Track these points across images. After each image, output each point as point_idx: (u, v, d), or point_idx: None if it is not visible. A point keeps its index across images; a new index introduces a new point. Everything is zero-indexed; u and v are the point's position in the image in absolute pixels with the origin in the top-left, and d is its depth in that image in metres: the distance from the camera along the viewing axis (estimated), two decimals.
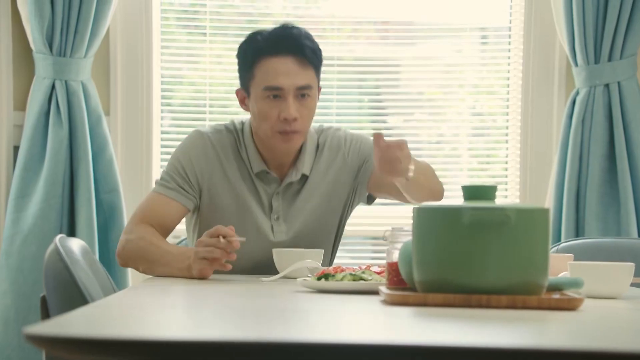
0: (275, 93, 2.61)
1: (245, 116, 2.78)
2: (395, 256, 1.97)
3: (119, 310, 1.60)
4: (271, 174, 2.72)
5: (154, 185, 2.77)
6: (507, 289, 1.70)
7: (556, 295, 1.79)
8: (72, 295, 1.91)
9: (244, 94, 2.70)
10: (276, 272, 2.48)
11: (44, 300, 2.02)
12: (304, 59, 2.62)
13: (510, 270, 1.70)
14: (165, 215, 2.67)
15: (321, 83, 2.72)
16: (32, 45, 3.66)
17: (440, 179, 2.72)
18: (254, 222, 2.70)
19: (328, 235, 2.79)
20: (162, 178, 2.71)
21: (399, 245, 1.97)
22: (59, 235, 2.13)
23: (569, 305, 1.72)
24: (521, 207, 1.73)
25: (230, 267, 2.38)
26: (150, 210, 2.67)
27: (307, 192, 2.74)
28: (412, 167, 2.37)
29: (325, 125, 2.85)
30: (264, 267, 2.65)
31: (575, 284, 1.86)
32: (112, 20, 3.78)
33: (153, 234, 2.61)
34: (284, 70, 2.60)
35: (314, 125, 2.79)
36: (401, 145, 2.32)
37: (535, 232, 1.73)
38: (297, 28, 2.66)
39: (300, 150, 2.73)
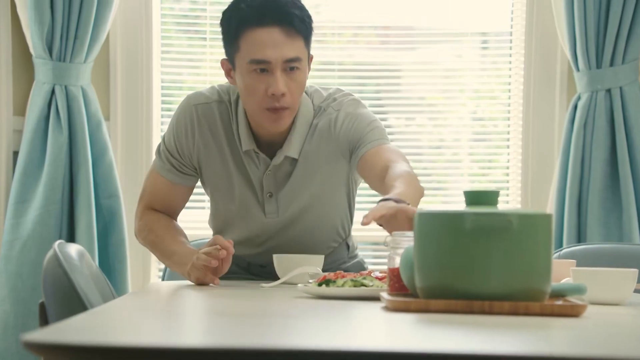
0: (262, 67, 2.44)
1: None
2: (397, 262, 1.94)
3: (118, 317, 1.59)
4: (260, 155, 2.58)
5: (154, 156, 2.76)
6: (510, 295, 1.68)
7: (559, 302, 1.77)
8: (71, 302, 1.89)
9: (229, 66, 2.53)
10: (276, 277, 2.47)
11: (42, 307, 2.00)
12: (291, 29, 2.44)
13: (512, 276, 1.69)
14: (169, 199, 2.68)
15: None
16: (31, 50, 3.66)
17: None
18: (244, 200, 2.63)
19: (338, 212, 2.68)
20: (159, 153, 2.68)
21: (401, 251, 1.92)
22: (58, 241, 2.12)
23: (572, 312, 1.70)
24: (523, 213, 1.72)
25: (219, 282, 2.39)
26: (154, 194, 2.68)
27: (301, 173, 2.61)
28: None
29: (332, 96, 2.64)
30: (256, 251, 2.65)
31: (578, 290, 1.84)
32: (112, 25, 3.78)
33: (161, 226, 2.63)
34: (270, 42, 2.42)
35: (322, 92, 2.64)
36: (406, 212, 2.10)
37: (537, 237, 1.71)
38: None
39: (289, 130, 2.57)
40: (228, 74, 2.55)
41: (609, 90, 3.69)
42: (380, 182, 2.43)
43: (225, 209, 2.67)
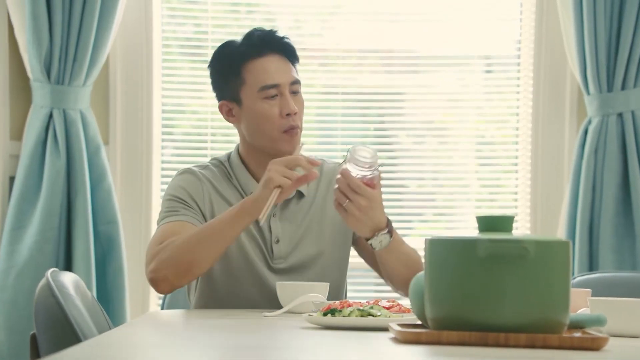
0: (273, 92, 2.58)
1: (221, 152, 2.71)
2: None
3: (113, 349, 1.54)
4: None
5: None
6: (526, 326, 1.63)
7: (577, 334, 1.72)
8: (64, 333, 1.86)
9: (231, 105, 2.64)
10: (279, 306, 2.42)
11: (33, 338, 1.96)
12: (287, 57, 2.63)
13: (529, 306, 1.63)
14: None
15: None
16: (29, 74, 3.65)
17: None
18: (254, 246, 2.62)
19: (339, 264, 2.70)
20: (164, 212, 2.60)
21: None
22: (51, 270, 2.08)
23: (593, 345, 1.64)
24: (541, 239, 1.66)
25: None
26: (165, 235, 2.52)
27: (308, 214, 2.65)
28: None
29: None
30: (265, 293, 2.59)
31: (598, 321, 1.78)
32: (112, 48, 3.77)
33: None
34: (275, 67, 2.60)
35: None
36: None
37: (555, 265, 1.66)
38: (271, 29, 2.66)
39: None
40: (229, 115, 2.66)
41: (620, 114, 3.67)
42: (376, 262, 2.62)
43: (225, 264, 2.62)
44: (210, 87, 3.94)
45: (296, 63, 2.66)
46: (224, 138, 3.93)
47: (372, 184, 2.43)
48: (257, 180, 2.62)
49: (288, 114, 2.57)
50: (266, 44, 2.61)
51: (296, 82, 2.61)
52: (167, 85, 3.91)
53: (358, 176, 2.41)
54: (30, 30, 3.56)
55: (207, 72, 3.94)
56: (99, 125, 3.71)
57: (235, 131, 2.72)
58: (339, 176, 2.43)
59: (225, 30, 3.93)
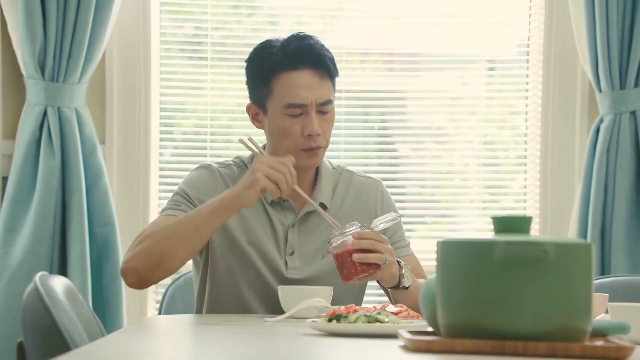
0: (298, 112, 2.54)
1: (246, 152, 2.66)
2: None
3: (104, 358, 1.51)
4: (288, 202, 2.60)
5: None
6: (546, 334, 1.58)
7: (599, 342, 1.66)
8: (53, 341, 1.81)
9: (258, 110, 2.61)
10: (283, 312, 2.40)
11: (20, 346, 1.92)
12: (323, 71, 2.57)
13: (548, 313, 1.58)
14: None
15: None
16: (23, 70, 3.62)
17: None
18: (266, 257, 2.58)
19: (357, 285, 2.65)
20: (167, 206, 2.57)
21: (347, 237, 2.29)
22: (40, 273, 2.04)
23: (617, 354, 1.58)
24: (561, 242, 1.60)
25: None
26: (153, 226, 2.49)
27: (329, 227, 2.59)
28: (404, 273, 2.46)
29: (348, 167, 2.80)
30: (277, 305, 2.52)
31: (622, 329, 1.72)
32: (109, 44, 3.76)
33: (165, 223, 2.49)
34: (304, 85, 2.54)
35: (335, 162, 2.76)
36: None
37: (577, 269, 1.60)
38: (313, 38, 2.59)
39: (316, 178, 2.66)
40: (255, 118, 2.64)
41: (633, 113, 3.66)
42: None
43: (239, 273, 2.59)
44: (209, 86, 3.91)
45: (335, 77, 2.61)
46: (223, 137, 3.93)
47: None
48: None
49: (310, 135, 2.53)
50: (302, 57, 2.54)
51: (326, 102, 2.55)
52: (165, 83, 3.90)
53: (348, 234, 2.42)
54: (23, 25, 3.54)
55: (207, 70, 3.93)
56: (95, 124, 3.69)
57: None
58: (356, 256, 2.37)
59: (225, 32, 3.93)
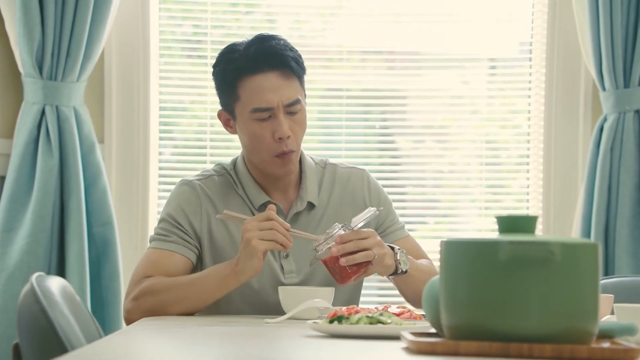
0: (266, 115, 2.51)
1: (227, 157, 2.68)
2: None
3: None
4: (276, 205, 2.56)
5: (148, 243, 2.64)
6: (552, 336, 1.56)
7: (606, 344, 1.64)
8: (49, 343, 1.80)
9: (228, 116, 2.61)
10: (282, 313, 2.38)
11: (16, 348, 1.91)
12: (288, 71, 2.53)
13: (554, 314, 1.56)
14: (170, 269, 2.52)
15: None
16: (20, 69, 3.61)
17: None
18: (264, 267, 2.54)
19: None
20: (156, 234, 2.57)
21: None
22: (37, 274, 2.04)
23: (625, 357, 1.56)
24: (567, 242, 1.58)
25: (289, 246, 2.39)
26: (152, 265, 2.51)
27: (319, 226, 2.59)
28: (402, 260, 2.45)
29: (330, 160, 2.78)
30: (274, 312, 2.51)
31: (629, 330, 1.70)
32: (107, 43, 3.74)
33: (168, 279, 2.49)
34: (270, 87, 2.50)
35: (317, 157, 2.74)
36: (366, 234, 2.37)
37: (583, 270, 1.58)
38: (275, 38, 2.56)
39: (300, 177, 2.65)
40: (227, 124, 2.63)
41: (637, 111, 3.64)
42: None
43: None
44: (209, 84, 3.89)
45: (302, 75, 2.58)
46: (223, 137, 3.91)
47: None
48: (264, 190, 2.62)
49: (280, 138, 2.50)
50: (264, 59, 2.51)
51: (294, 102, 2.51)
52: (164, 82, 3.89)
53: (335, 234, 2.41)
54: (21, 23, 3.52)
55: (206, 69, 3.91)
56: (94, 123, 3.68)
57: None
58: (343, 260, 2.36)
59: (225, 31, 3.92)
